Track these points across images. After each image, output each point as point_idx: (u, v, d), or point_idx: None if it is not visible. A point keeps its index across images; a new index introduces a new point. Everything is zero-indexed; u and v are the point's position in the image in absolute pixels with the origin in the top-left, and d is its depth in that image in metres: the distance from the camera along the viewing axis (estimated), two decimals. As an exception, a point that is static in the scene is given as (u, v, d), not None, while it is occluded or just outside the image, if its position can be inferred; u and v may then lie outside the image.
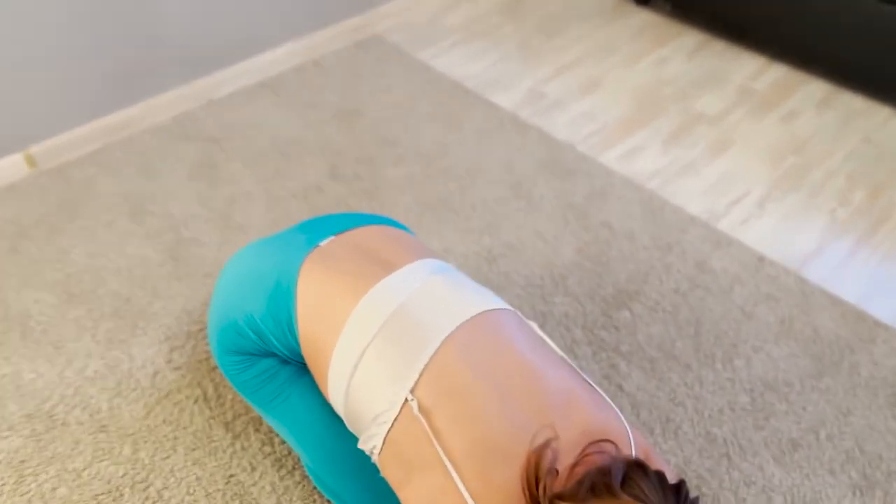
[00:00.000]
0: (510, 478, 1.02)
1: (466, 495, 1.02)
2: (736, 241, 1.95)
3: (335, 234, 1.34)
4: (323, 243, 1.32)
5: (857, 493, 1.44)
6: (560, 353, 1.26)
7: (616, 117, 2.37)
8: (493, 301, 1.23)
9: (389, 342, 1.15)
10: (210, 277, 1.78)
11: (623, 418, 1.19)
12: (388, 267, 1.26)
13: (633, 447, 1.16)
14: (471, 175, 2.12)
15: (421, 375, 1.10)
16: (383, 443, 1.11)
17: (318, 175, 2.09)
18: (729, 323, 1.74)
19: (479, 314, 1.18)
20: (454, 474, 1.04)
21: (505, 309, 1.24)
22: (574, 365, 1.25)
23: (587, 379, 1.23)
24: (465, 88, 2.43)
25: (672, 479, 1.01)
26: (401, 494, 1.11)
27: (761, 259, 1.90)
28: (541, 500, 1.00)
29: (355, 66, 2.51)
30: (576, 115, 2.38)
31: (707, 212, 2.05)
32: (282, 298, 1.25)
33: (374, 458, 1.15)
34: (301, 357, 1.28)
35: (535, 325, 1.29)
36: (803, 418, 1.56)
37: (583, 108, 2.41)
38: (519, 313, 1.27)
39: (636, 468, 0.98)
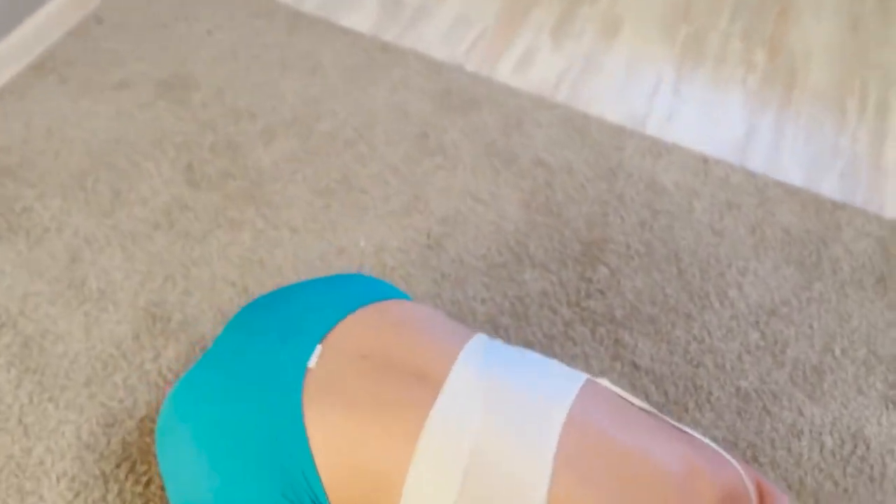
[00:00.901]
0: None
1: None
2: (672, 145, 1.76)
3: (319, 338, 0.96)
4: (312, 363, 0.94)
5: (890, 405, 1.41)
6: (642, 405, 1.04)
7: (493, 15, 2.02)
8: (564, 383, 0.96)
9: None
10: (91, 389, 1.30)
11: (725, 454, 1.02)
12: (426, 381, 0.92)
13: (749, 487, 1.02)
14: (363, 136, 1.71)
15: None
16: None
17: (170, 184, 1.58)
18: (706, 249, 1.59)
19: (566, 422, 0.90)
20: None
21: (582, 388, 0.97)
22: (656, 412, 1.04)
23: (676, 425, 1.03)
24: (305, 16, 1.94)
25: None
26: None
27: (705, 160, 1.73)
28: None
29: (153, 12, 1.90)
30: (448, 22, 1.99)
31: (630, 116, 1.83)
32: (292, 471, 0.88)
33: None
34: None
35: (606, 382, 1.04)
36: (814, 338, 1.48)
37: (452, 12, 2.02)
38: (585, 378, 1.00)
39: None
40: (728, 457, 1.02)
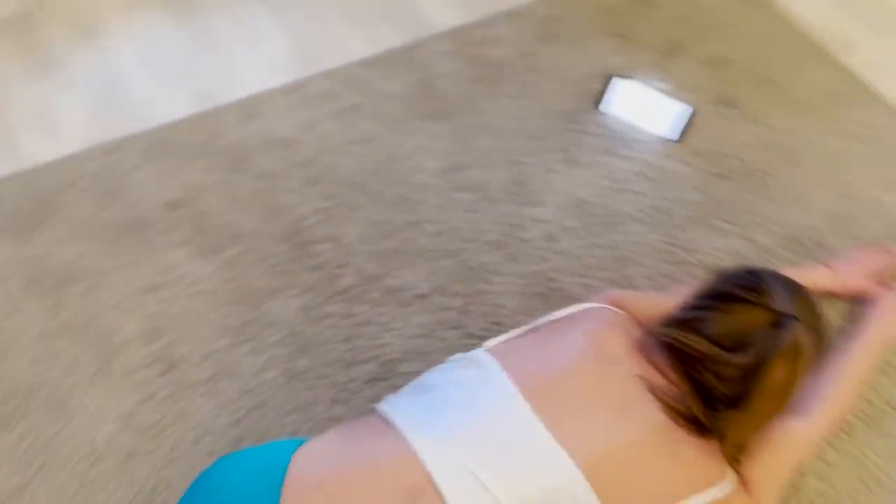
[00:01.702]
0: None
1: None
2: (256, 99, 1.64)
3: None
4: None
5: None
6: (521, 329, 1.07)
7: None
8: (486, 377, 0.94)
9: None
10: None
11: (591, 305, 1.13)
12: (421, 495, 0.81)
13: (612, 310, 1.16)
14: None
15: None
16: None
17: None
18: (365, 162, 1.57)
19: (526, 400, 0.90)
20: None
21: (500, 366, 0.95)
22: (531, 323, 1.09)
23: (549, 319, 1.08)
24: None
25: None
26: None
27: (282, 93, 1.66)
28: None
29: None
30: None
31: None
32: None
33: None
34: None
35: (493, 341, 1.03)
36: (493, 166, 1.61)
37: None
38: (493, 360, 0.98)
39: None
40: (590, 304, 1.12)
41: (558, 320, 1.07)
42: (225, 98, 1.64)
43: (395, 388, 1.26)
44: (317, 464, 0.85)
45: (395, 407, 0.91)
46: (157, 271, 1.38)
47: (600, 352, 0.99)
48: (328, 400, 1.26)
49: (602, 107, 1.66)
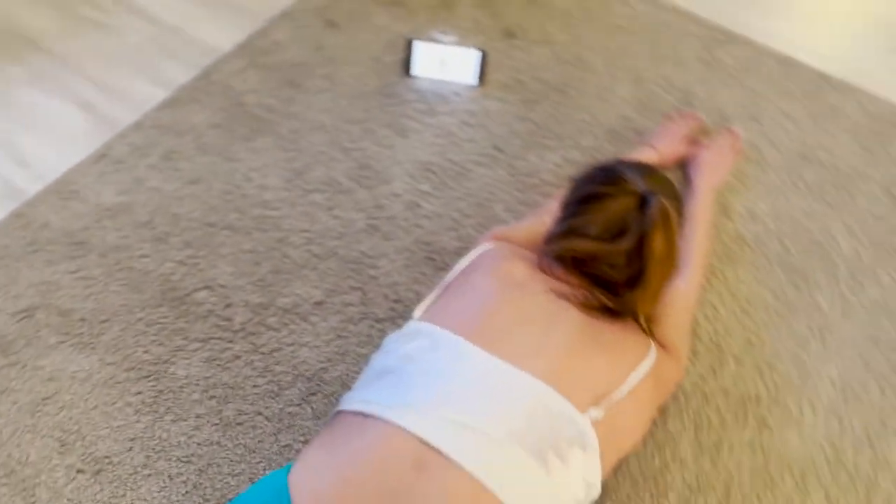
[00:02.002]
0: None
1: None
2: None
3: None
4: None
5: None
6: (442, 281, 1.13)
7: None
8: (435, 338, 0.99)
9: None
10: None
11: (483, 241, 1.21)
12: (428, 465, 0.85)
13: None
14: None
15: None
16: None
17: None
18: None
19: (481, 348, 0.96)
20: None
21: (439, 327, 1.00)
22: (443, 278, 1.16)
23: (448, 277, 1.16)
24: None
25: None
26: None
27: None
28: None
29: None
30: None
31: None
32: None
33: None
34: None
35: (419, 308, 1.08)
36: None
37: None
38: (428, 325, 1.03)
39: None
40: (480, 248, 1.20)
41: (462, 272, 1.14)
42: (33, 189, 1.53)
43: (330, 397, 1.29)
44: (316, 478, 0.86)
45: (364, 400, 0.93)
46: (41, 384, 1.29)
47: (510, 282, 1.07)
48: (271, 434, 1.25)
49: (413, 71, 1.73)
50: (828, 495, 1.24)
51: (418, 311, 1.09)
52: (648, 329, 1.16)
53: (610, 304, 1.06)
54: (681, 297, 1.28)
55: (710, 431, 1.29)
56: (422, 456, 0.85)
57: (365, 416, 0.91)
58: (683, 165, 1.59)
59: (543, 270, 1.11)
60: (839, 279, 1.47)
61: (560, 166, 1.61)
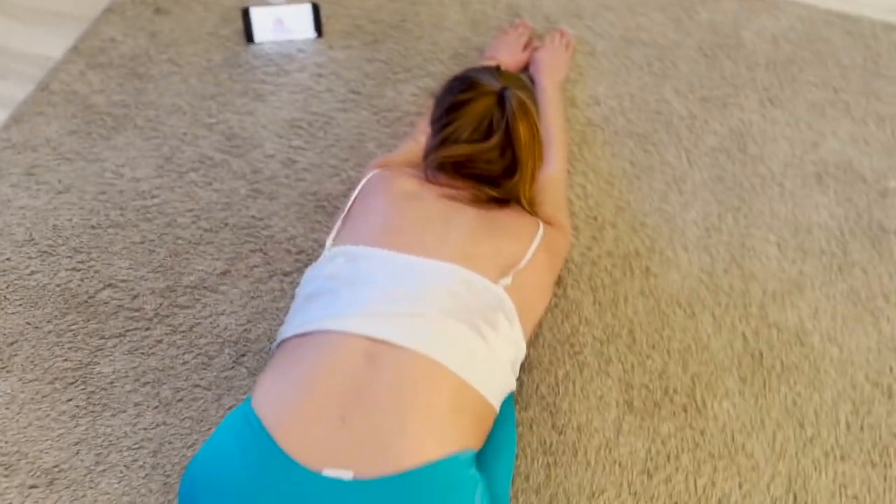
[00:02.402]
0: None
1: None
2: None
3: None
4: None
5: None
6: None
7: None
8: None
9: None
10: None
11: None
12: (376, 357, 0.93)
13: None
14: None
15: None
16: None
17: None
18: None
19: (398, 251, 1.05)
20: None
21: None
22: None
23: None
24: None
25: None
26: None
27: None
28: None
29: None
30: None
31: None
32: None
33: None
34: None
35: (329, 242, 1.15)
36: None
37: None
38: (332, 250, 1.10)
39: None
40: (367, 177, 1.27)
41: (356, 199, 1.22)
42: None
43: (259, 353, 1.35)
44: (278, 396, 0.93)
45: (302, 322, 1.00)
46: (-38, 420, 1.26)
47: (404, 195, 1.16)
48: (213, 401, 1.30)
49: (254, 38, 1.76)
50: (713, 314, 1.42)
51: (329, 240, 1.16)
52: (533, 209, 1.28)
53: (495, 194, 1.18)
54: (552, 179, 1.42)
55: (606, 290, 1.45)
56: (371, 349, 0.94)
57: (307, 335, 0.98)
58: (526, 70, 1.72)
59: (430, 181, 1.20)
60: (680, 136, 1.66)
61: (417, 95, 1.70)
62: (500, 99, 1.20)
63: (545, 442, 1.28)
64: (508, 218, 1.17)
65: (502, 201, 1.18)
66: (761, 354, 1.38)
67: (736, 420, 1.31)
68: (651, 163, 1.62)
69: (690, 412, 1.32)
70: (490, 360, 1.00)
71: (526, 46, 1.75)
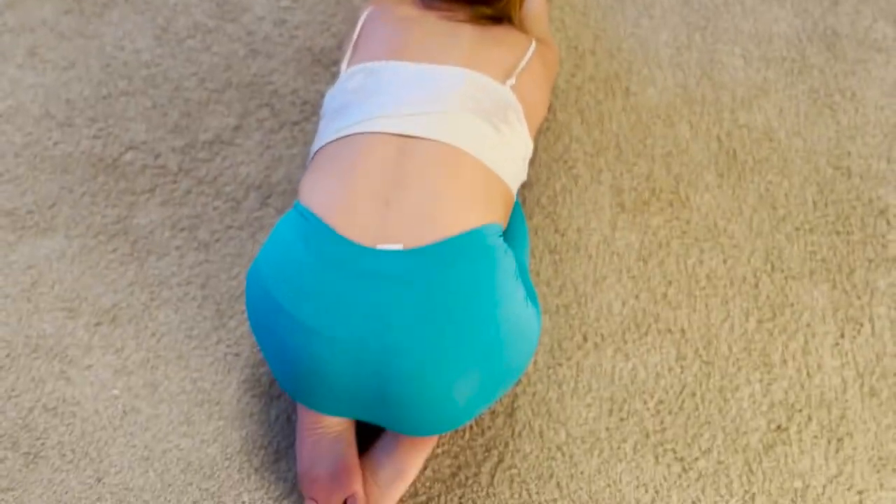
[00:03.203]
0: None
1: None
2: None
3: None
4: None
5: None
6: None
7: None
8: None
9: None
10: None
11: None
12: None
13: None
14: None
15: None
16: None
17: None
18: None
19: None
20: None
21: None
22: None
23: None
24: None
25: None
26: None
27: None
28: None
29: None
30: None
31: None
32: None
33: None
34: None
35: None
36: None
37: None
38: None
39: None
40: (365, 14, 1.36)
41: (362, 29, 1.30)
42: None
43: (283, 194, 1.46)
44: (325, 192, 1.05)
45: (335, 130, 1.11)
46: (21, 273, 1.37)
47: (407, 19, 1.25)
48: (248, 238, 1.42)
49: None
50: (690, 122, 1.56)
51: (343, 64, 1.25)
52: (524, 27, 1.39)
53: (490, 12, 1.28)
54: (535, 10, 1.52)
55: (592, 111, 1.58)
56: (402, 145, 1.06)
57: (341, 139, 1.09)
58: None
59: (427, 8, 1.30)
60: (646, -35, 1.76)
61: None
62: None
63: (550, 243, 1.44)
64: (503, 33, 1.27)
65: (496, 19, 1.29)
66: (735, 152, 1.53)
67: (717, 208, 1.47)
68: (621, -8, 1.72)
69: (676, 206, 1.48)
70: (505, 150, 1.13)
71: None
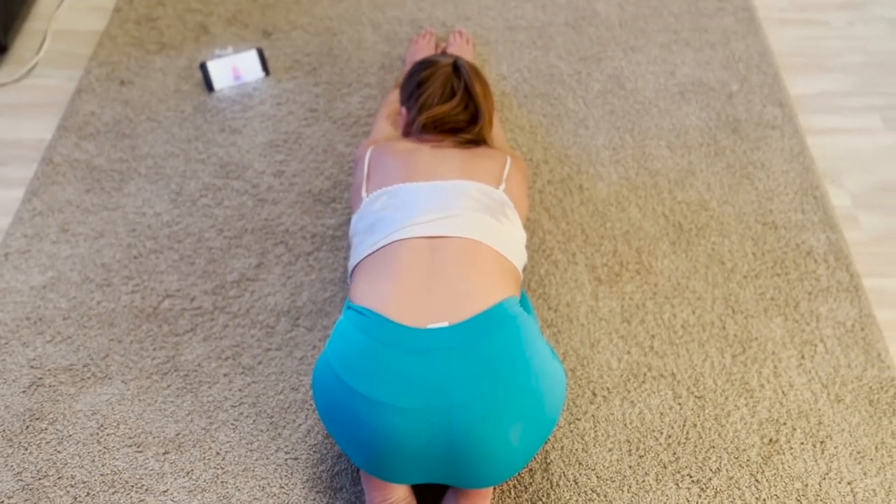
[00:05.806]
0: None
1: None
2: None
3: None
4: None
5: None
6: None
7: None
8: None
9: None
10: None
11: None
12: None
13: None
14: None
15: None
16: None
17: None
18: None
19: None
20: None
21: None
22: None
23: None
24: None
25: None
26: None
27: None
28: None
29: None
30: None
31: None
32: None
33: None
34: None
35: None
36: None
37: None
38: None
39: None
40: (364, 159, 1.63)
41: (370, 166, 1.55)
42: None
43: (310, 314, 1.66)
44: (374, 292, 1.26)
45: (373, 244, 1.34)
46: (87, 420, 1.50)
47: (406, 151, 1.52)
48: (287, 356, 1.60)
49: (215, 86, 2.08)
50: (638, 205, 1.87)
51: (365, 194, 1.49)
52: (495, 145, 1.68)
53: (471, 136, 1.57)
54: (496, 129, 1.83)
55: (556, 208, 1.87)
56: (432, 244, 1.30)
57: (378, 250, 1.32)
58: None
59: (420, 141, 1.58)
60: (573, 88, 2.12)
61: (363, 101, 2.08)
62: (455, 68, 1.60)
63: (546, 319, 1.67)
64: (483, 151, 1.56)
65: (475, 143, 1.58)
66: (680, 224, 1.84)
67: (676, 270, 1.75)
68: (558, 112, 2.07)
69: (643, 273, 1.75)
70: (509, 238, 1.38)
71: (436, 48, 2.16)
